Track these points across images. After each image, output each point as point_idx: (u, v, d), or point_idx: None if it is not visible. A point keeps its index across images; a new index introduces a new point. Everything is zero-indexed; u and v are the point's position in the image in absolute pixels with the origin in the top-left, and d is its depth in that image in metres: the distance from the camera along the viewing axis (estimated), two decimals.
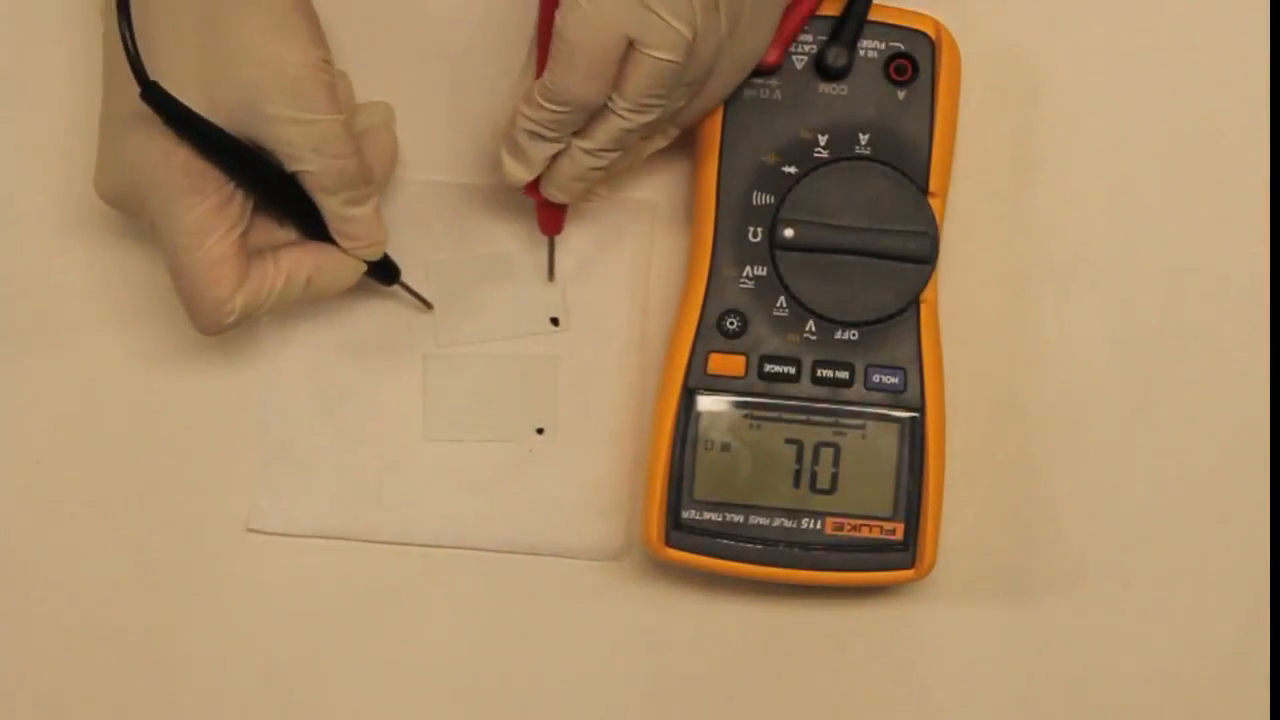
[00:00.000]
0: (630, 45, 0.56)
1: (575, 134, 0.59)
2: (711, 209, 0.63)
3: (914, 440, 0.63)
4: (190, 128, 0.57)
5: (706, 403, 0.63)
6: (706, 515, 0.63)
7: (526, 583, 0.66)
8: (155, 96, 0.56)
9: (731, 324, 0.63)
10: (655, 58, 0.56)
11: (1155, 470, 0.66)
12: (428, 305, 0.66)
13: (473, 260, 0.66)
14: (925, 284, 0.62)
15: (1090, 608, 0.66)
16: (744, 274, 0.63)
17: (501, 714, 0.66)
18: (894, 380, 0.63)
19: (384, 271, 0.63)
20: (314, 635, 0.66)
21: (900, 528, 0.63)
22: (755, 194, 0.63)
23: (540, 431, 0.66)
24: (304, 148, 0.58)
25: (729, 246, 0.63)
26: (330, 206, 0.60)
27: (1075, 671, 0.66)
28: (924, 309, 0.63)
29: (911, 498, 0.62)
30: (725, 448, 0.63)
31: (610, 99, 0.57)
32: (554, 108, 0.57)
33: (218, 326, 0.60)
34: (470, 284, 0.66)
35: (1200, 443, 0.66)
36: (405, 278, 0.64)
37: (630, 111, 0.58)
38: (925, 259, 0.62)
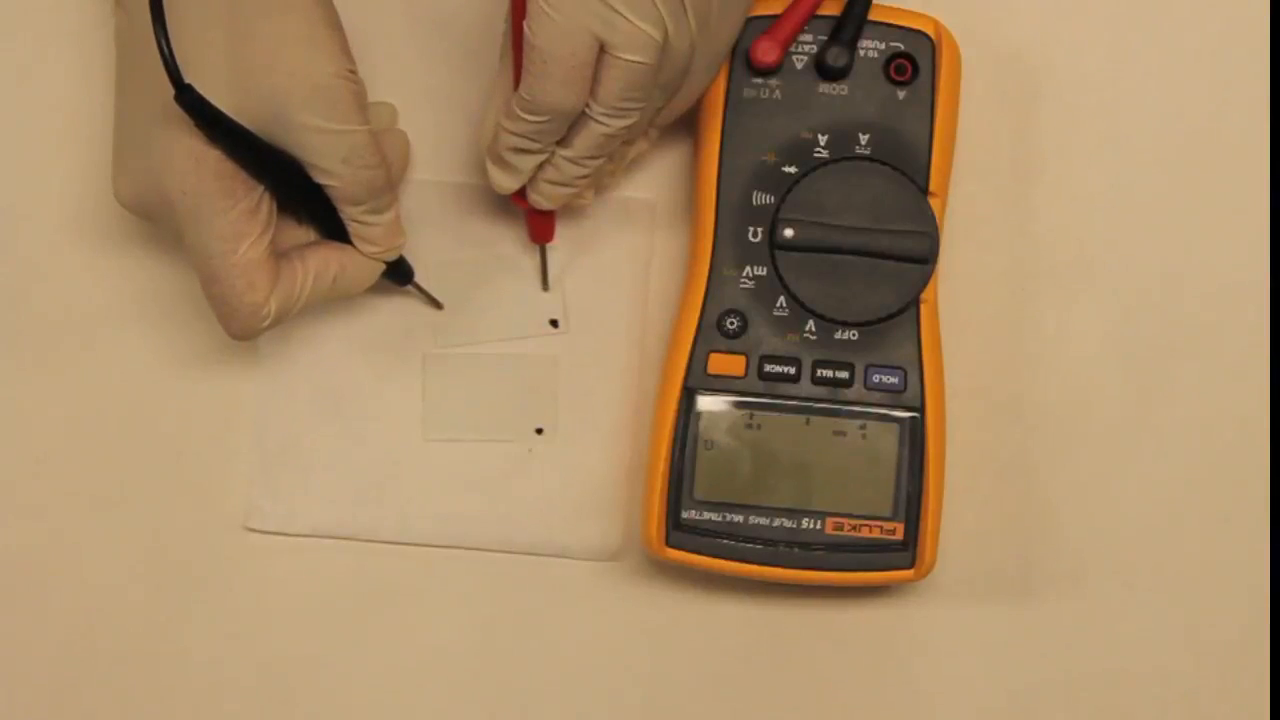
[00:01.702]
0: (602, 49, 0.56)
1: (557, 142, 0.59)
2: (711, 209, 0.63)
3: (914, 440, 0.63)
4: (223, 131, 0.57)
5: (706, 403, 0.63)
6: (706, 515, 0.63)
7: (526, 582, 0.66)
8: (190, 99, 0.56)
9: (731, 324, 0.63)
10: (626, 60, 0.56)
11: (1155, 470, 0.66)
12: (438, 304, 0.65)
13: (472, 261, 0.66)
14: (925, 284, 0.62)
15: (1090, 608, 0.66)
16: (744, 274, 0.63)
17: (501, 714, 0.66)
18: (894, 380, 0.63)
19: (399, 272, 0.63)
20: (313, 635, 0.66)
21: (900, 528, 0.63)
22: (755, 194, 0.63)
23: (539, 431, 0.66)
24: (334, 158, 0.58)
25: (729, 246, 0.63)
26: (353, 215, 0.60)
27: (1075, 671, 0.66)
28: (924, 309, 0.63)
29: (911, 498, 0.62)
30: (725, 448, 0.63)
31: (588, 105, 0.57)
32: (533, 118, 0.57)
33: (253, 331, 0.60)
34: (469, 285, 0.66)
35: (1200, 443, 0.66)
36: None
37: (608, 116, 0.57)
38: (925, 259, 0.62)
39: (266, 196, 0.59)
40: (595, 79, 0.57)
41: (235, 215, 0.58)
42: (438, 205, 0.66)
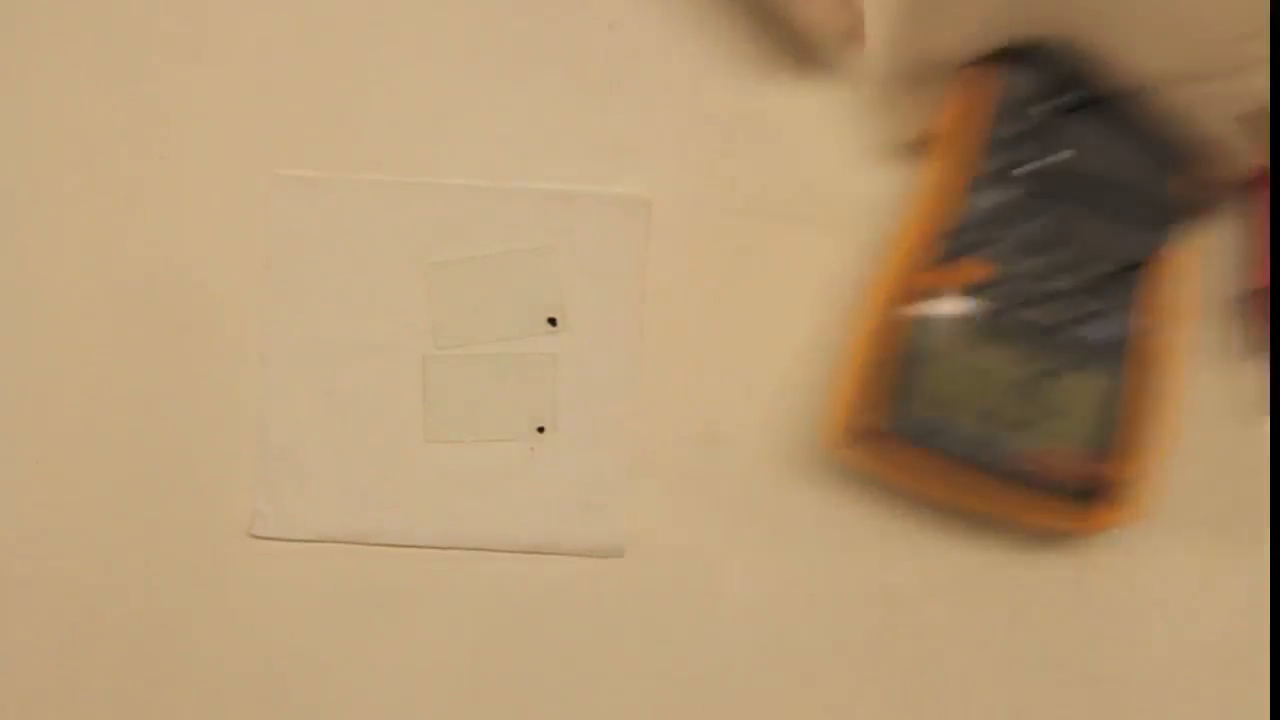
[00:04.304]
0: None
1: None
2: (960, 133, 0.62)
3: (1134, 383, 0.61)
4: None
5: (928, 313, 0.60)
6: (916, 426, 0.60)
7: (528, 581, 0.66)
8: None
9: (966, 239, 0.61)
10: None
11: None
12: None
13: (470, 261, 0.66)
14: (1169, 239, 0.61)
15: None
16: (989, 195, 0.61)
17: (503, 712, 0.66)
18: (1120, 324, 0.61)
19: None
20: (317, 639, 0.66)
21: (1112, 469, 0.60)
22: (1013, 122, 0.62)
23: (540, 430, 0.66)
24: None
25: (979, 163, 0.61)
26: None
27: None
28: (1163, 261, 0.61)
29: (1128, 440, 0.60)
30: (941, 362, 0.60)
31: None
32: None
33: None
34: (468, 285, 0.66)
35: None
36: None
37: None
38: (1174, 219, 0.61)
39: None
40: None
41: None
42: (434, 206, 0.66)
